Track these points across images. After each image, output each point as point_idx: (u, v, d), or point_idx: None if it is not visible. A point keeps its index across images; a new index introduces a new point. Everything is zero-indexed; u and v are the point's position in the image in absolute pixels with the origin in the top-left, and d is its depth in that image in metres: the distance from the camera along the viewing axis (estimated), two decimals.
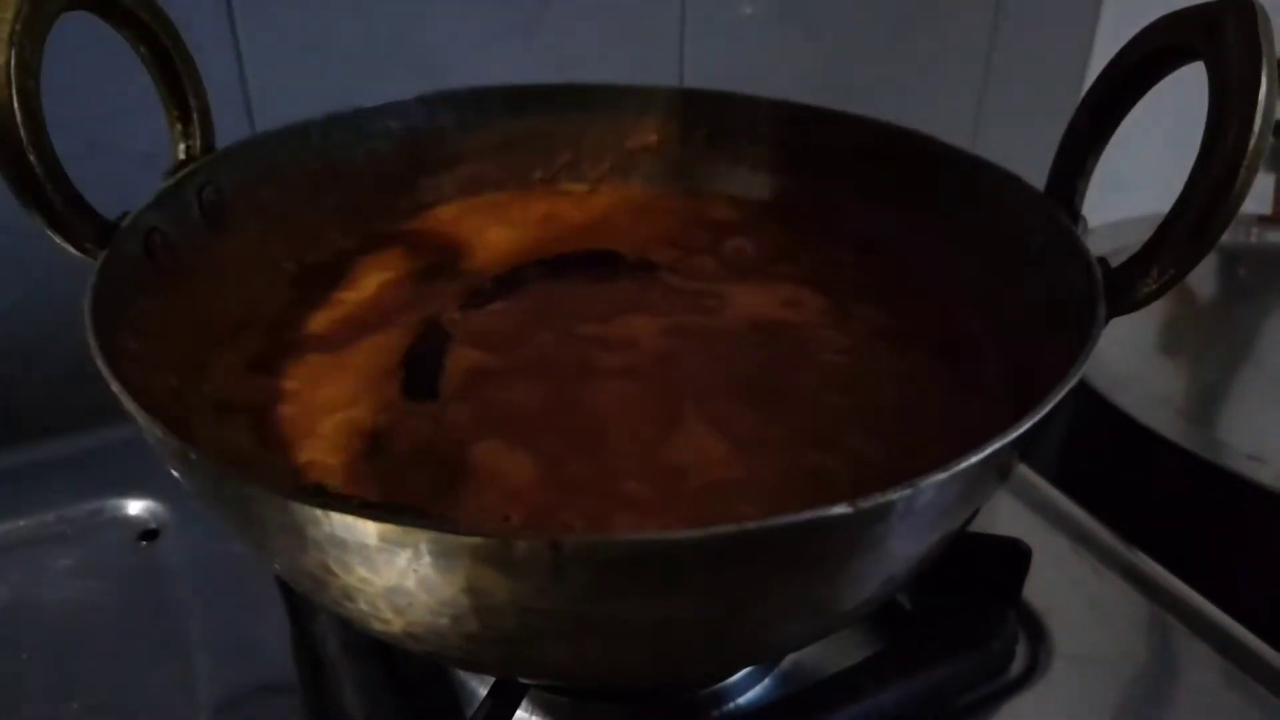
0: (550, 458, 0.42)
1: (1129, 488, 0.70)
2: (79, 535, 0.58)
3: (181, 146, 0.50)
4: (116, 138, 0.64)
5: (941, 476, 0.31)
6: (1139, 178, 0.88)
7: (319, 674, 0.47)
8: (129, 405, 0.33)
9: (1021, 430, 0.33)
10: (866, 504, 0.29)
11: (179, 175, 0.49)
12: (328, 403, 0.45)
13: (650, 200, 0.64)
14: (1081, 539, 0.58)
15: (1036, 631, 0.52)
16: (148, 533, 0.58)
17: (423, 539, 0.29)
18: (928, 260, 0.56)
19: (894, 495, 0.30)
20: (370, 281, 0.55)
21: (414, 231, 0.60)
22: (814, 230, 0.61)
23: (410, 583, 0.30)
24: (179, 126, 0.50)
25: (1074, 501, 0.60)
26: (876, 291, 0.55)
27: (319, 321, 0.51)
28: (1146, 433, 0.67)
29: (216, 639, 0.51)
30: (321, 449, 0.43)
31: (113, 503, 0.59)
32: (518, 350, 0.49)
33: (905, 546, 0.34)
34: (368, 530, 0.29)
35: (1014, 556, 0.49)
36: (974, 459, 0.31)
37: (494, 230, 0.61)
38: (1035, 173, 0.50)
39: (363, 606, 0.33)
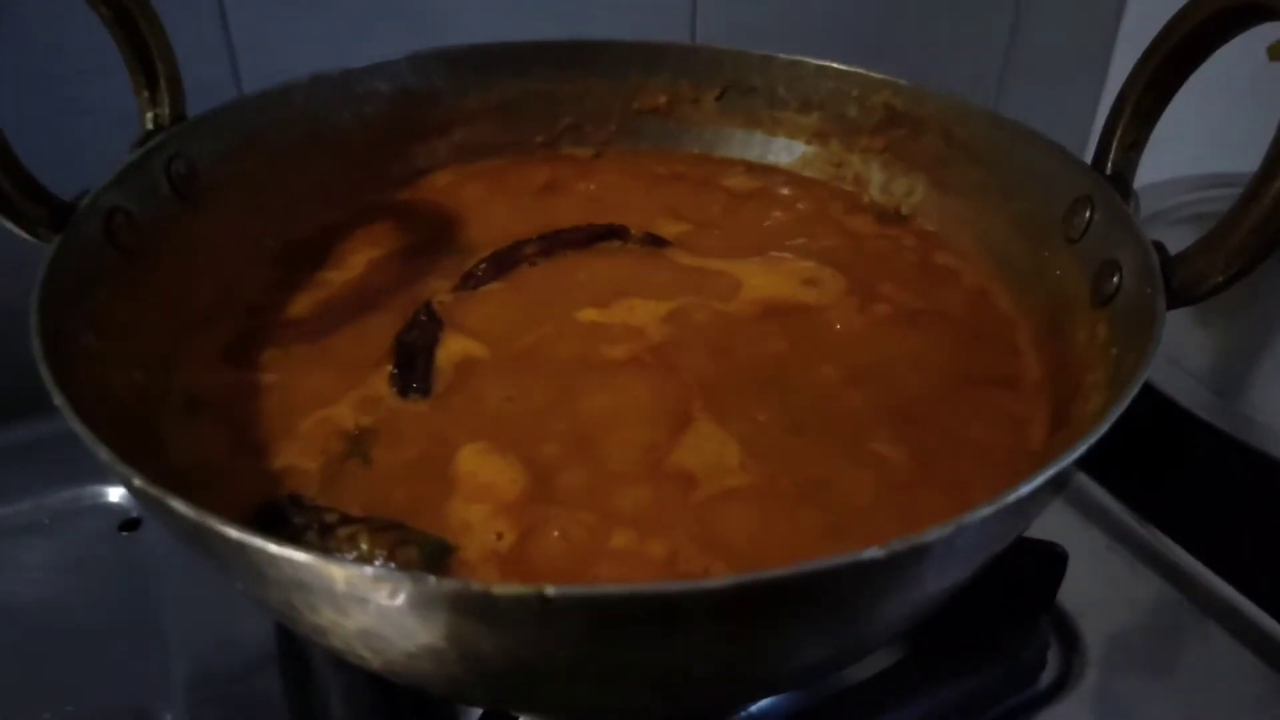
0: (545, 464, 0.38)
1: (1162, 471, 0.67)
2: (56, 525, 0.55)
3: (149, 115, 0.46)
4: (95, 97, 0.60)
5: (986, 512, 0.27)
6: (1173, 131, 0.83)
7: (305, 684, 0.44)
8: (73, 423, 0.30)
9: (1078, 453, 0.29)
10: (901, 547, 0.26)
11: (145, 148, 0.45)
12: (308, 398, 0.42)
13: (659, 166, 0.60)
14: (1117, 534, 0.54)
15: (1069, 637, 0.48)
16: (129, 522, 0.55)
17: (394, 588, 0.25)
18: (959, 236, 0.52)
19: (932, 537, 0.26)
20: (358, 259, 0.51)
21: (406, 203, 0.56)
22: (835, 201, 0.56)
23: (384, 628, 0.27)
24: (145, 94, 0.46)
25: (1109, 493, 0.56)
26: (902, 270, 0.50)
27: (301, 305, 0.48)
28: (1178, 410, 0.63)
29: (199, 637, 0.48)
30: (299, 452, 0.39)
31: (91, 490, 0.56)
32: (514, 340, 0.45)
33: (943, 581, 0.30)
34: (332, 575, 0.26)
35: (1049, 561, 0.46)
36: (1024, 490, 0.28)
37: (491, 201, 0.56)
38: (1063, 134, 0.46)
39: (336, 644, 0.30)
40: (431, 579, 0.25)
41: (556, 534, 0.35)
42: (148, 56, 0.46)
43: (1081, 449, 0.29)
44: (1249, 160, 0.84)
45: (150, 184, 0.45)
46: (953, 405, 0.42)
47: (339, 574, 0.25)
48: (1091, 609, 0.49)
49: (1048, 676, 0.47)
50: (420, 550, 0.34)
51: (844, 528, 0.36)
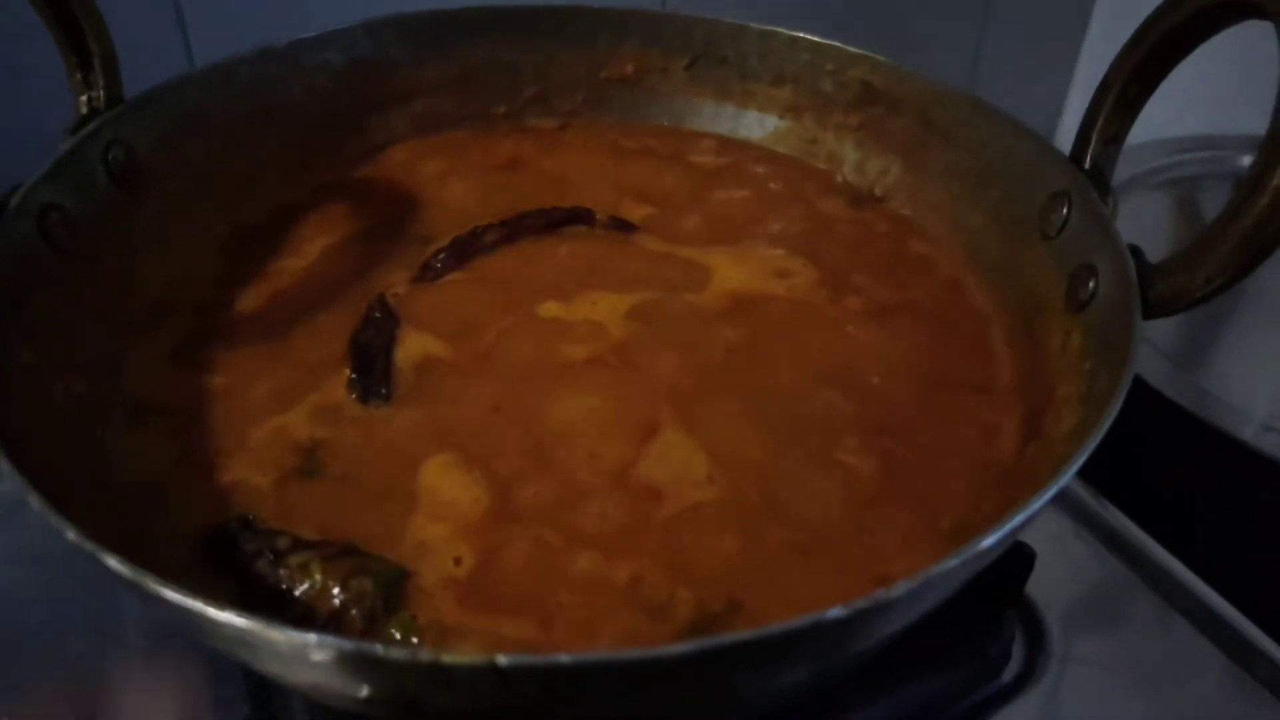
0: (507, 478, 0.37)
1: (1126, 449, 0.66)
2: (9, 516, 0.54)
3: (83, 99, 0.44)
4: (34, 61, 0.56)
5: (954, 563, 0.26)
6: None
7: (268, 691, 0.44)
8: (6, 464, 0.28)
9: (1047, 498, 0.28)
10: (865, 604, 0.25)
11: (79, 136, 0.42)
12: (260, 404, 0.40)
13: (626, 139, 0.58)
14: (1083, 519, 0.54)
15: (1034, 629, 0.48)
16: None
17: (337, 654, 0.24)
18: (934, 222, 0.51)
19: (897, 592, 0.25)
20: (312, 246, 0.49)
21: (362, 181, 0.54)
22: (808, 180, 0.55)
23: (332, 684, 0.26)
24: (78, 75, 0.44)
25: (1077, 477, 0.56)
26: (875, 259, 0.49)
27: (252, 298, 0.46)
28: (1143, 385, 0.62)
29: (159, 633, 0.47)
30: (250, 465, 0.38)
31: None
32: (475, 337, 0.43)
33: (906, 620, 0.30)
34: (274, 640, 0.25)
35: (1017, 559, 0.45)
36: (989, 541, 0.27)
37: (451, 178, 0.54)
38: (1035, 116, 0.45)
39: (290, 684, 0.29)
40: (376, 648, 0.24)
41: (517, 558, 0.34)
42: (79, 34, 0.43)
43: (1051, 492, 0.28)
44: (1225, 120, 0.83)
45: (86, 175, 0.42)
46: (924, 410, 0.41)
47: (281, 639, 0.24)
48: (1056, 599, 0.49)
49: (1012, 670, 0.47)
50: (375, 580, 0.33)
51: (811, 547, 0.35)
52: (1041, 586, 0.48)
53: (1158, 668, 0.47)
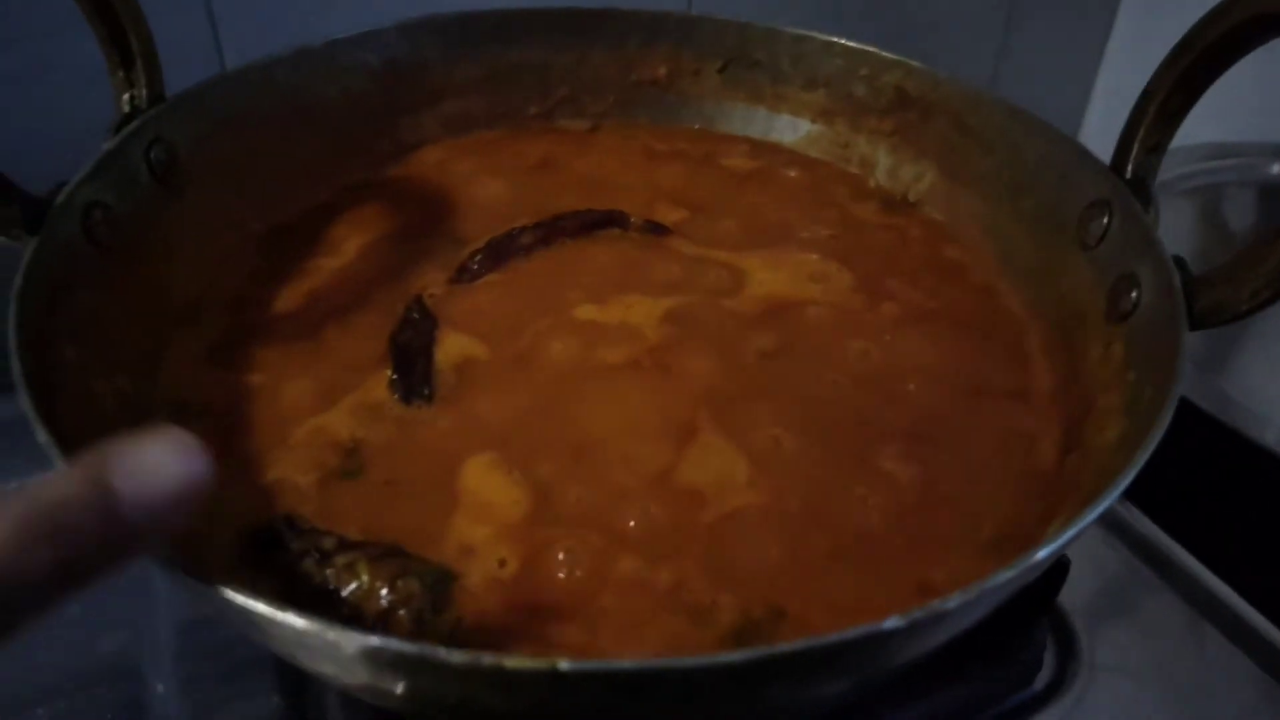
0: (548, 480, 0.37)
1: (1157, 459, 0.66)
2: None
3: (125, 97, 0.44)
4: (68, 57, 0.57)
5: (1009, 575, 0.26)
6: None
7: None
8: (59, 465, 0.28)
9: (1103, 507, 0.28)
10: (921, 615, 0.25)
11: (123, 134, 0.42)
12: (299, 403, 0.40)
13: (658, 142, 0.58)
14: (1115, 529, 0.54)
15: (1065, 637, 0.48)
16: None
17: (402, 656, 0.24)
18: (967, 228, 0.51)
19: (952, 604, 0.25)
20: (348, 246, 0.49)
21: (395, 180, 0.54)
22: (840, 184, 0.55)
23: (390, 686, 0.26)
24: (120, 74, 0.44)
25: None
26: (909, 264, 0.49)
27: (289, 297, 0.46)
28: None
29: (189, 612, 0.47)
30: (291, 464, 0.38)
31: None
32: (512, 339, 0.44)
33: (955, 631, 0.30)
34: (337, 642, 0.25)
35: (1052, 568, 0.45)
36: (1039, 554, 0.27)
37: (484, 178, 0.54)
38: (1057, 121, 0.46)
39: (338, 684, 0.30)
40: (441, 651, 0.24)
41: (561, 561, 0.34)
42: (121, 33, 0.43)
43: (1104, 505, 0.28)
44: (1251, 128, 0.82)
45: (129, 173, 0.42)
46: (962, 418, 0.41)
47: (345, 641, 0.25)
48: (1087, 606, 0.50)
49: (1043, 678, 0.47)
50: (422, 581, 0.33)
51: (852, 554, 0.36)
52: (1072, 594, 0.48)
53: (1189, 677, 0.47)
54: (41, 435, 0.29)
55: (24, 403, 0.30)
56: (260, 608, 0.25)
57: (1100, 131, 0.89)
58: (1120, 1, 0.85)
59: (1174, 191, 0.77)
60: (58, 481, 0.21)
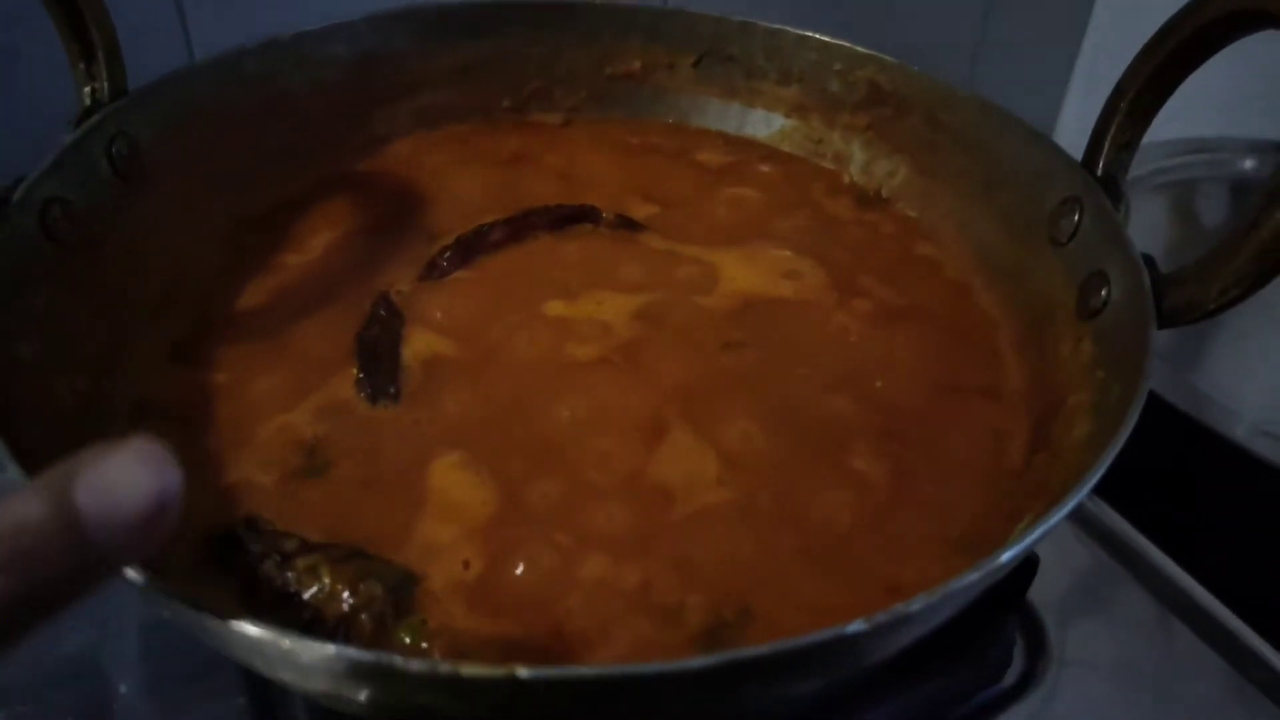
0: (515, 479, 0.37)
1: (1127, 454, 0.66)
2: None
3: (86, 90, 0.43)
4: (30, 47, 0.56)
5: (974, 577, 0.26)
6: None
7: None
8: (12, 467, 0.28)
9: (1069, 507, 0.28)
10: (885, 618, 0.25)
11: (83, 128, 0.42)
12: (263, 402, 0.40)
13: (632, 136, 0.58)
14: (1084, 523, 0.54)
15: (1034, 632, 0.48)
16: None
17: (357, 664, 0.24)
18: (941, 224, 0.50)
19: (916, 606, 0.25)
20: (316, 241, 0.48)
21: (366, 174, 0.53)
22: (815, 180, 0.54)
23: (350, 695, 0.26)
24: (81, 66, 0.43)
25: None
26: (883, 261, 0.49)
27: (254, 294, 0.45)
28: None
29: (154, 639, 0.46)
30: (254, 464, 0.38)
31: None
32: (481, 336, 0.43)
33: (921, 632, 0.29)
34: (293, 650, 0.24)
35: (1021, 565, 0.45)
36: (1005, 556, 0.27)
37: (456, 172, 0.54)
38: (1033, 117, 0.46)
39: (299, 690, 0.29)
40: (398, 660, 0.23)
41: (526, 561, 0.34)
42: (82, 24, 0.42)
43: (1070, 505, 0.28)
44: (1224, 123, 0.82)
45: (89, 168, 0.42)
46: (933, 415, 0.41)
47: (301, 650, 0.24)
48: (1055, 603, 0.50)
49: (1013, 674, 0.47)
50: (384, 584, 0.32)
51: (822, 553, 0.35)
52: (1041, 590, 0.48)
53: (1158, 672, 0.48)
54: None
55: None
56: (211, 618, 0.24)
57: (1077, 126, 0.89)
58: None
59: (1146, 187, 0.77)
60: (16, 504, 0.19)
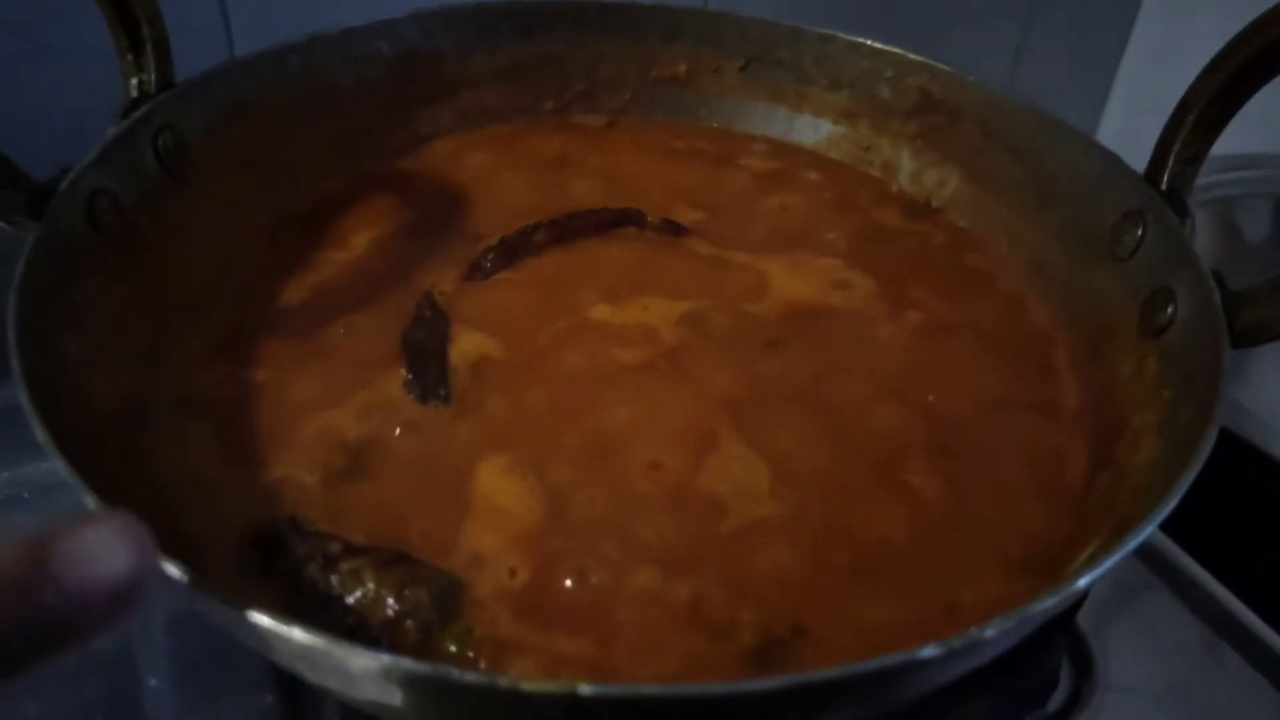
0: (562, 486, 0.36)
1: None
2: (36, 499, 0.53)
3: (133, 82, 0.43)
4: (76, 40, 0.55)
5: (1050, 603, 0.25)
6: None
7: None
8: (61, 466, 0.27)
9: (1146, 532, 0.27)
10: (959, 644, 0.24)
11: (130, 120, 0.41)
12: (305, 400, 0.39)
13: (676, 140, 0.57)
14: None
15: (1081, 656, 0.47)
16: None
17: (411, 675, 0.23)
18: (993, 236, 0.49)
19: (992, 631, 0.24)
20: (359, 239, 0.48)
21: (408, 173, 0.53)
22: (862, 188, 0.54)
23: (397, 704, 0.25)
24: (130, 58, 0.42)
25: None
26: (933, 272, 0.48)
27: (297, 290, 0.45)
28: None
29: (183, 633, 0.46)
30: (297, 462, 0.37)
31: None
32: (526, 340, 0.42)
33: (992, 655, 0.28)
34: (346, 659, 0.24)
35: None
36: (1081, 582, 0.26)
37: (498, 173, 0.53)
38: (1075, 121, 0.45)
39: (343, 697, 0.29)
40: (455, 672, 0.23)
41: (574, 572, 0.33)
42: (129, 12, 0.42)
43: (1147, 530, 0.27)
44: (1266, 138, 0.81)
45: (136, 161, 0.41)
46: (987, 431, 0.40)
47: (354, 659, 0.23)
48: (1103, 625, 0.48)
49: (1059, 697, 0.46)
50: (429, 590, 0.32)
51: (876, 570, 0.34)
52: (1088, 613, 0.47)
53: (1206, 698, 0.46)
54: (40, 435, 0.28)
55: (23, 401, 0.29)
56: (263, 621, 0.24)
57: (1117, 133, 0.88)
58: (1139, 9, 0.84)
59: (1191, 203, 0.76)
60: None
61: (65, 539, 0.19)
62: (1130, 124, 0.88)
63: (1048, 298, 0.46)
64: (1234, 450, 0.56)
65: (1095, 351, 0.41)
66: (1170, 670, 0.47)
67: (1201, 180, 0.77)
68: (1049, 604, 0.25)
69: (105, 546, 0.19)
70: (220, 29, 0.60)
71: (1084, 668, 0.47)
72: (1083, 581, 0.26)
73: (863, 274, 0.47)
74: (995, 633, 0.24)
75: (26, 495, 0.52)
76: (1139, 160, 0.43)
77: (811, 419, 0.40)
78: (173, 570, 0.25)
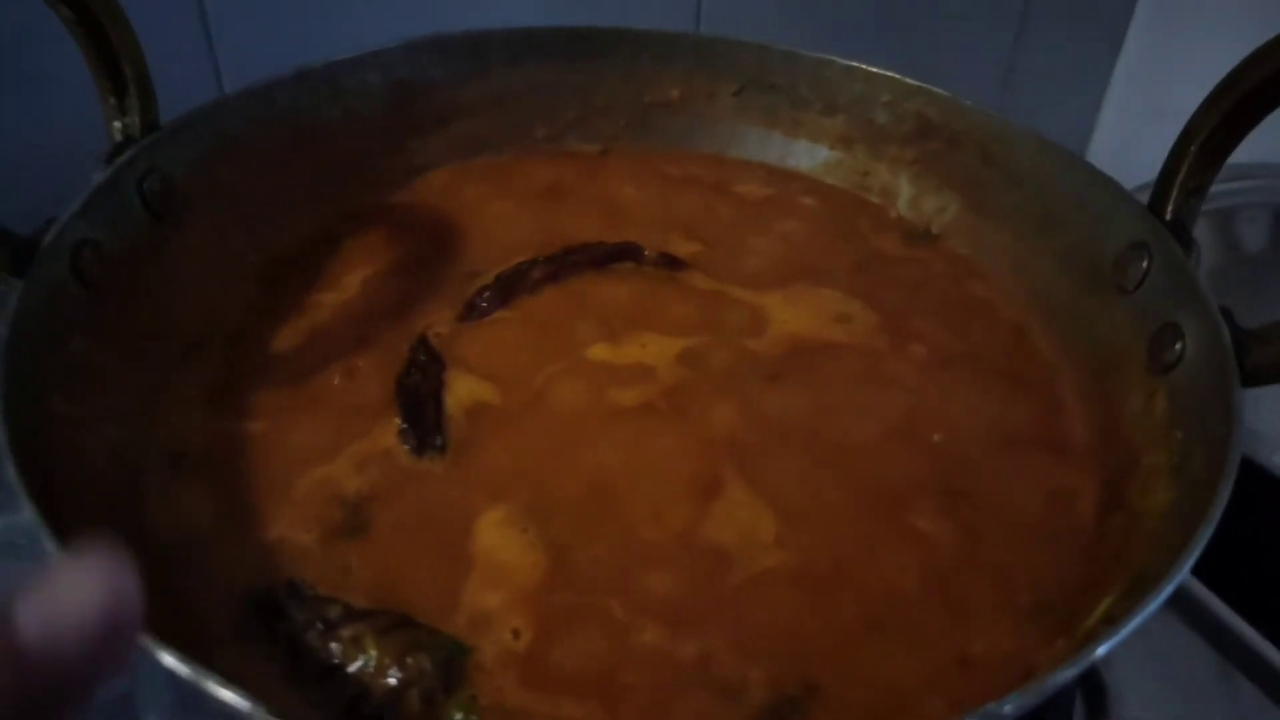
0: (564, 538, 0.36)
1: None
2: (33, 546, 0.51)
3: (117, 125, 0.42)
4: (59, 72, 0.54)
5: (1070, 673, 0.24)
6: (1187, 110, 0.79)
7: None
8: (48, 541, 0.26)
9: (1169, 590, 0.26)
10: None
11: (115, 166, 0.40)
12: (301, 452, 0.38)
13: (671, 167, 0.56)
14: None
15: (1094, 689, 0.47)
16: None
17: None
18: (995, 264, 0.49)
19: (1008, 708, 0.24)
20: (351, 279, 0.47)
21: (401, 206, 0.52)
22: (860, 214, 0.53)
23: None
24: (112, 100, 0.42)
25: None
26: (935, 302, 0.47)
27: (289, 336, 0.44)
28: None
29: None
30: (294, 519, 0.36)
31: None
32: (524, 382, 0.42)
33: None
34: None
35: None
36: (1101, 650, 0.25)
37: (493, 205, 0.52)
38: (1064, 140, 0.45)
39: None
40: None
41: (578, 631, 0.33)
42: (113, 58, 0.41)
43: (1169, 588, 0.26)
44: (1264, 148, 0.81)
45: (121, 207, 0.40)
46: (995, 470, 0.39)
47: None
48: (1117, 659, 0.48)
49: None
50: (432, 658, 0.31)
51: (887, 622, 0.34)
52: None
53: None
54: (29, 510, 0.27)
55: (10, 471, 0.28)
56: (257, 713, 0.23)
57: (1108, 153, 0.87)
58: (1130, 21, 0.84)
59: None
60: None
61: (28, 597, 0.18)
62: (1124, 136, 0.88)
63: (1051, 327, 0.45)
64: (1249, 476, 0.55)
65: (1102, 384, 0.41)
66: (1185, 702, 0.47)
67: None
68: (1068, 674, 0.24)
69: (70, 583, 0.18)
70: (206, 57, 0.59)
71: (1097, 700, 0.46)
72: (1102, 649, 0.25)
73: (863, 305, 0.46)
74: (1012, 709, 0.24)
75: (23, 542, 0.51)
76: (1135, 174, 0.42)
77: (816, 460, 0.39)
78: (164, 656, 0.24)
